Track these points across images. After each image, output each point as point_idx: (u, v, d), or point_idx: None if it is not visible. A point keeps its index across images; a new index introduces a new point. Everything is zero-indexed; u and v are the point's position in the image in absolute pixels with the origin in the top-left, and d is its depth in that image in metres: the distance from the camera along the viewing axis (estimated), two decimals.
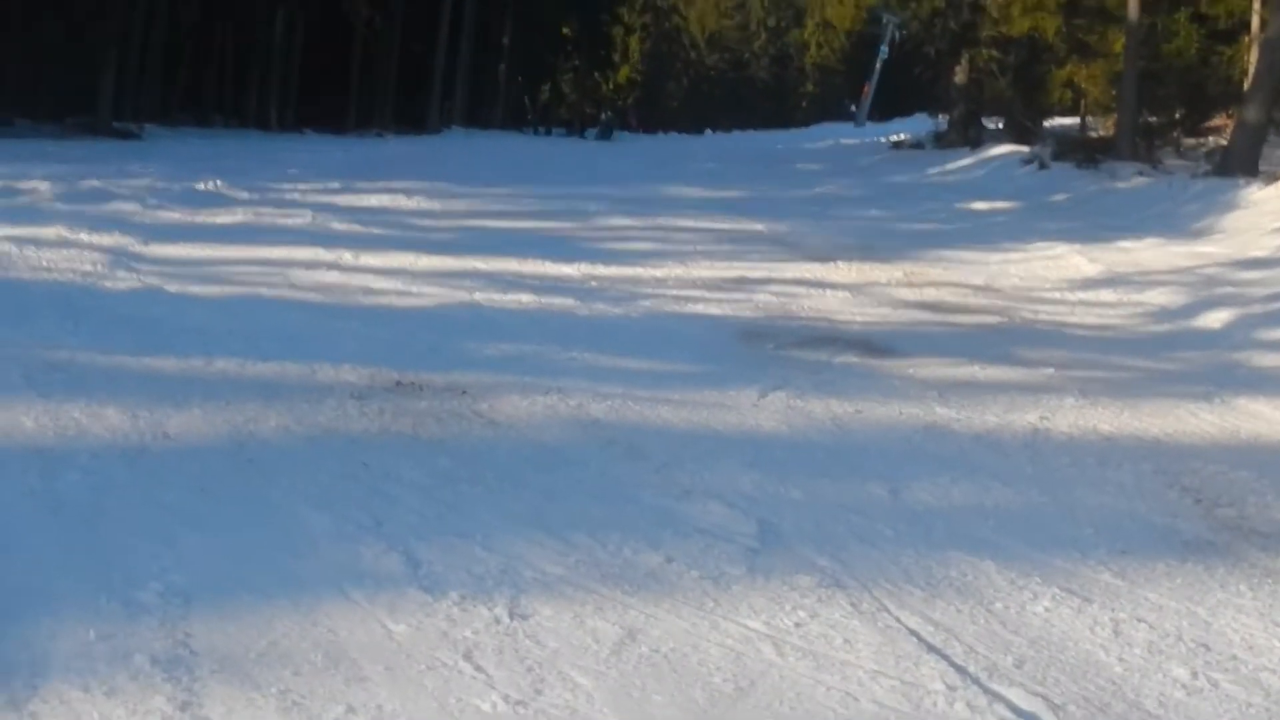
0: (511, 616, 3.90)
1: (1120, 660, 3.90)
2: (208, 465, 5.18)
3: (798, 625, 3.99)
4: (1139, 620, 4.21)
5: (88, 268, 9.50)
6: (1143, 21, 25.05)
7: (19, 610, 3.69)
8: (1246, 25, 23.26)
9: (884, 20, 56.95)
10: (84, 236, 10.85)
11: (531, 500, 4.99)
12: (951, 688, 3.62)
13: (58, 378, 6.27)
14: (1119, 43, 26.25)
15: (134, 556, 4.16)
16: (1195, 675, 3.81)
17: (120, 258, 10.12)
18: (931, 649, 3.88)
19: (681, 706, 3.43)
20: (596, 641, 3.79)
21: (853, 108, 60.54)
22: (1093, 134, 29.35)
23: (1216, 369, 8.69)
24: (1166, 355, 9.22)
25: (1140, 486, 5.81)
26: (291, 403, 6.14)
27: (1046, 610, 4.24)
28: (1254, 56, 21.58)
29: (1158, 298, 11.46)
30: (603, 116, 61.20)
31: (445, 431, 5.89)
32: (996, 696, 3.59)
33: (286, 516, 4.68)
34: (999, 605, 4.26)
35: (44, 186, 14.86)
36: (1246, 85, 21.39)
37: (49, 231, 10.87)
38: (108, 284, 9.09)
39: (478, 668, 3.55)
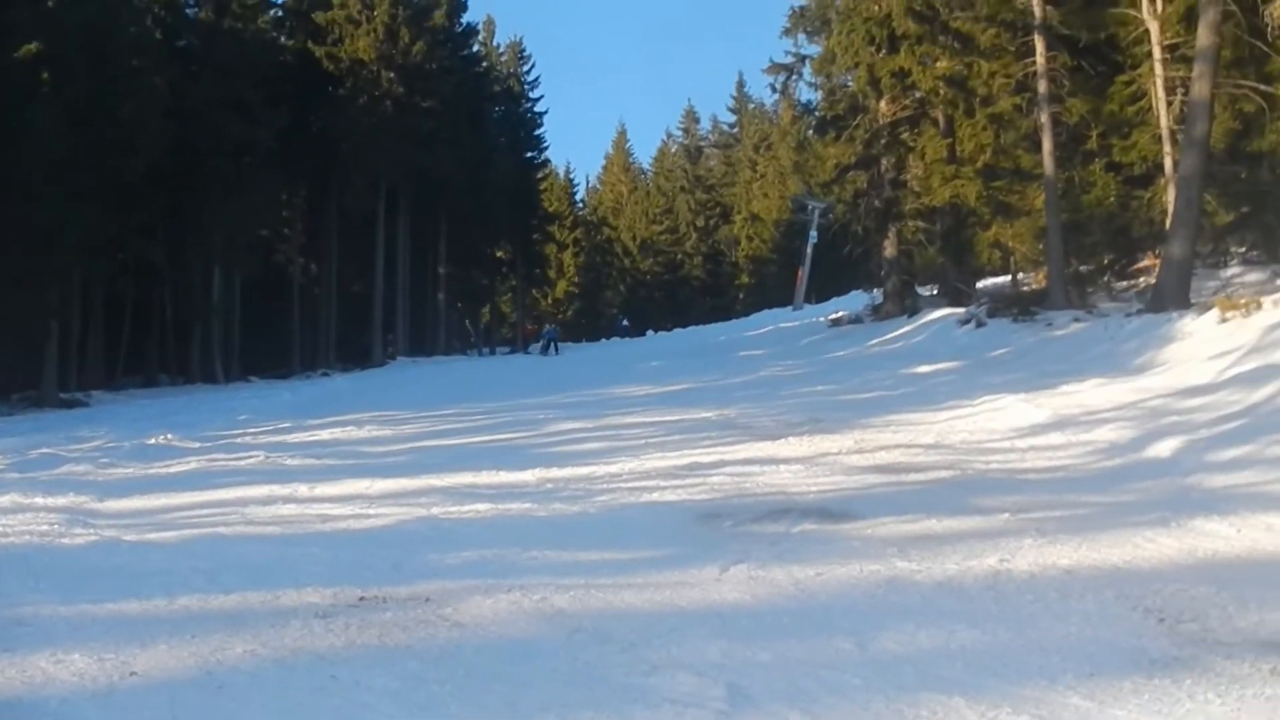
0: None
1: None
2: (177, 696, 5.16)
3: None
4: None
5: (45, 528, 9.48)
6: (1059, 176, 25.77)
7: None
8: (1160, 167, 23.88)
9: (809, 206, 58.02)
10: (39, 500, 10.85)
11: (502, 691, 5.01)
12: None
13: (22, 632, 6.24)
14: (1039, 199, 26.93)
15: None
16: None
17: (76, 515, 10.11)
18: None
19: None
20: None
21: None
22: (1025, 288, 29.90)
23: (1170, 495, 8.82)
24: (1120, 488, 9.34)
25: (1104, 613, 5.89)
26: (257, 629, 6.14)
27: None
28: (1171, 195, 22.15)
29: (1106, 434, 11.61)
30: (545, 327, 60.79)
31: (411, 637, 5.90)
32: None
33: None
34: None
35: None
36: (1168, 224, 21.88)
37: (2, 500, 10.86)
38: (65, 541, 9.06)
39: None
